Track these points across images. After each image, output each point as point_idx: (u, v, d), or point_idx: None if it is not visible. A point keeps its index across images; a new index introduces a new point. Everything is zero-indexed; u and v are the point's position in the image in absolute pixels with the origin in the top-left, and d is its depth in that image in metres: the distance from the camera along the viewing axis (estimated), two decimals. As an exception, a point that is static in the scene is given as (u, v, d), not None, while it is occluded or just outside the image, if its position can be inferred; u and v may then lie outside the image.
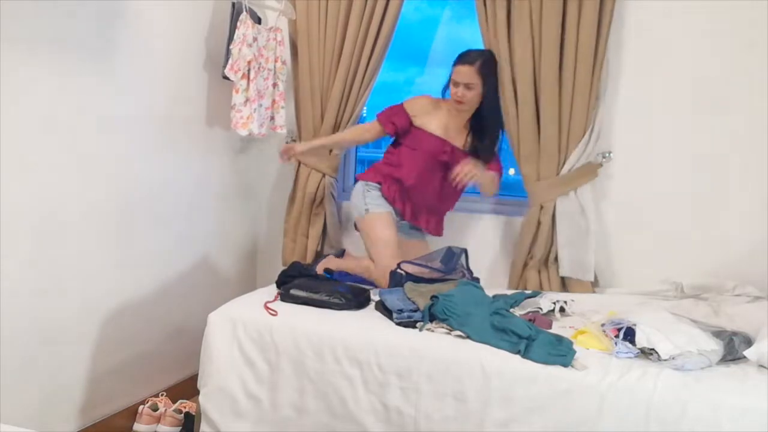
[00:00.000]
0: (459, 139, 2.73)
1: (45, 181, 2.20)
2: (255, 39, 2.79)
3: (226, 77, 2.85)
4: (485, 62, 2.65)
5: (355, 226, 2.85)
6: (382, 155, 2.87)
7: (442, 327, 2.06)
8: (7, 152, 2.04)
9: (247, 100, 2.79)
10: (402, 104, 2.76)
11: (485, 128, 2.72)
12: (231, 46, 2.75)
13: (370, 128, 2.82)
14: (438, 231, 2.87)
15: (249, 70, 2.79)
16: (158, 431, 2.54)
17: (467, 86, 2.61)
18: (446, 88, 2.70)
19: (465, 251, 2.63)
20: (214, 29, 2.96)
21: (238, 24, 2.76)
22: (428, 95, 2.80)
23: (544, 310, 2.26)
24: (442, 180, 2.72)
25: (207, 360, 2.14)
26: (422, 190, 2.74)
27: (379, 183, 2.75)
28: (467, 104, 2.65)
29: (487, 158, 2.72)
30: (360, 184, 2.79)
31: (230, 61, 2.75)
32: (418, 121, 2.73)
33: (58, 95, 2.21)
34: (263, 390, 2.10)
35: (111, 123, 2.45)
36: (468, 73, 2.61)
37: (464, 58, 2.64)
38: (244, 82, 2.79)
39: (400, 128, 2.73)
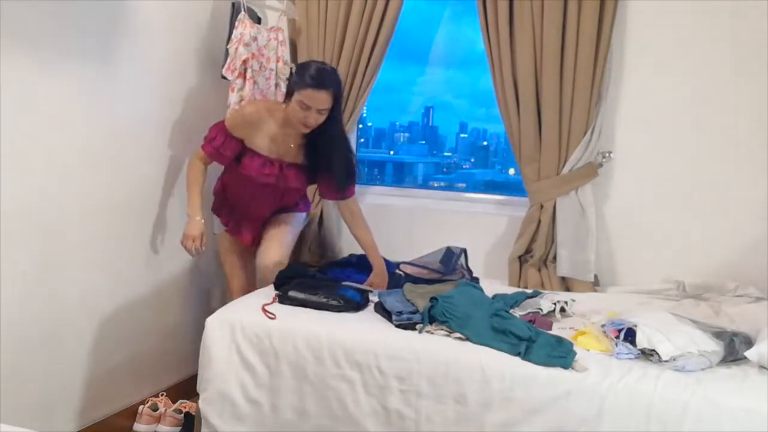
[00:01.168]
0: (290, 152, 2.55)
1: (44, 182, 2.19)
2: (254, 39, 2.78)
3: (224, 77, 2.84)
4: (339, 84, 2.45)
5: None
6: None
7: (442, 329, 2.05)
8: (6, 152, 2.03)
9: (242, 99, 2.78)
10: (225, 125, 2.53)
11: (331, 148, 2.51)
12: (228, 46, 2.75)
13: (203, 168, 2.60)
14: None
15: (246, 70, 2.78)
16: (158, 431, 2.54)
17: (320, 112, 2.37)
18: (287, 98, 2.45)
19: (464, 251, 2.62)
20: (213, 29, 2.95)
21: (236, 23, 2.76)
22: (256, 101, 2.67)
23: (545, 311, 2.25)
24: (273, 194, 2.64)
25: (206, 364, 2.13)
26: (250, 209, 2.69)
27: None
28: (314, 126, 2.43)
29: (344, 188, 2.59)
30: None
31: (227, 61, 2.74)
32: (247, 142, 2.52)
33: (58, 95, 2.21)
34: (263, 394, 2.10)
35: (111, 123, 2.45)
36: (326, 100, 2.36)
37: (322, 82, 2.34)
38: (240, 81, 2.78)
39: (233, 156, 2.55)
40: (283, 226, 2.71)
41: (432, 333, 2.05)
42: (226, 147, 2.52)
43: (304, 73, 2.36)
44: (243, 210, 2.69)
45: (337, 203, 2.69)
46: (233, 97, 2.79)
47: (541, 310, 2.25)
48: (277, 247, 2.63)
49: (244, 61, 2.75)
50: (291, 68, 2.48)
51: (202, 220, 2.56)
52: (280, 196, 2.68)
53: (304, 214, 2.87)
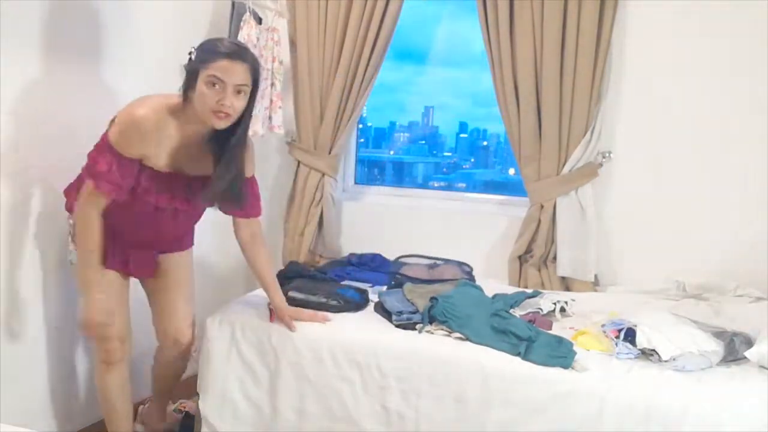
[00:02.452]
0: (197, 161, 1.96)
1: (44, 181, 2.19)
2: (258, 39, 2.78)
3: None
4: (258, 63, 1.91)
5: None
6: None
7: (442, 329, 2.06)
8: (6, 152, 2.03)
9: None
10: (113, 148, 1.83)
11: (240, 148, 1.93)
12: None
13: (97, 212, 1.89)
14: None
15: None
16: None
17: (238, 90, 1.81)
18: (188, 88, 1.85)
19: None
20: (213, 29, 2.95)
21: (242, 24, 2.76)
22: (144, 98, 1.92)
23: (545, 311, 2.26)
24: (177, 219, 2.04)
25: (206, 365, 2.13)
26: (143, 238, 2.07)
27: None
28: (233, 119, 1.84)
29: (245, 202, 2.03)
30: None
31: None
32: (144, 160, 1.89)
33: (58, 95, 2.21)
34: (263, 394, 2.10)
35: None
36: (244, 75, 1.81)
37: (238, 53, 1.81)
38: None
39: (131, 186, 1.89)
40: (183, 271, 2.19)
41: (432, 333, 2.05)
42: (124, 176, 1.84)
43: (214, 46, 1.82)
44: (132, 239, 2.04)
45: (236, 222, 2.12)
46: None
47: (542, 310, 2.25)
48: (184, 305, 2.19)
49: None
50: (190, 51, 1.85)
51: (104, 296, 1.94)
52: (187, 220, 2.12)
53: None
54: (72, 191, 2.03)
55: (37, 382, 2.25)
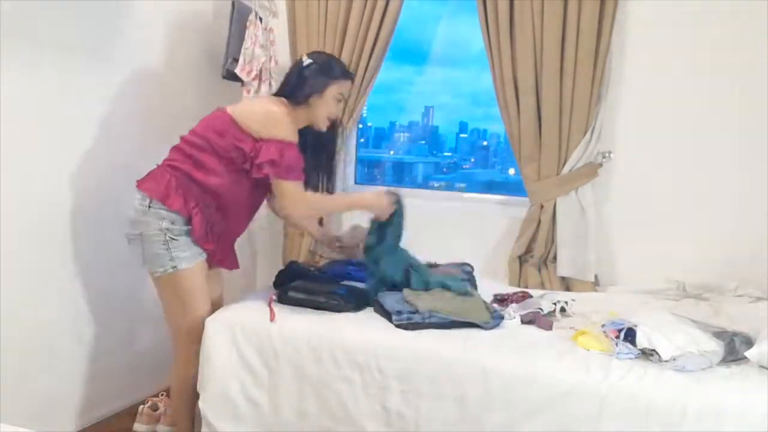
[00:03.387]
0: None
1: (44, 181, 2.19)
2: (258, 38, 2.79)
3: (226, 77, 2.85)
4: None
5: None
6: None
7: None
8: (5, 152, 2.03)
9: None
10: (291, 141, 2.09)
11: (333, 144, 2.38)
12: (243, 47, 2.75)
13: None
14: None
15: (261, 72, 2.81)
16: (158, 431, 2.54)
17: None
18: (313, 94, 2.13)
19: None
20: (214, 29, 2.95)
21: (248, 24, 2.76)
22: (271, 100, 2.18)
23: (545, 311, 2.25)
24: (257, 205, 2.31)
25: (206, 364, 2.13)
26: (233, 227, 2.28)
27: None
28: None
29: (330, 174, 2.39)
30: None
31: (242, 62, 2.75)
32: None
33: (58, 95, 2.21)
34: (263, 394, 2.09)
35: (111, 123, 2.45)
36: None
37: (350, 71, 2.27)
38: (255, 83, 2.81)
39: None
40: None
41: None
42: (300, 159, 2.13)
43: (332, 66, 2.18)
44: (223, 228, 2.21)
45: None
46: (248, 99, 2.81)
47: (542, 310, 2.25)
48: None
49: (261, 64, 2.78)
50: (305, 62, 2.15)
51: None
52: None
53: None
54: (159, 187, 2.08)
55: (37, 382, 2.25)
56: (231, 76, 2.83)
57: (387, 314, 2.16)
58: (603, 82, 2.65)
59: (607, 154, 2.73)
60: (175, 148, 2.16)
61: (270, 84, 2.92)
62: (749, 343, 1.92)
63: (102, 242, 2.46)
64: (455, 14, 3.28)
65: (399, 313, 2.11)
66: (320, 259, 3.10)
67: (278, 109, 2.09)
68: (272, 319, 2.14)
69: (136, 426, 2.55)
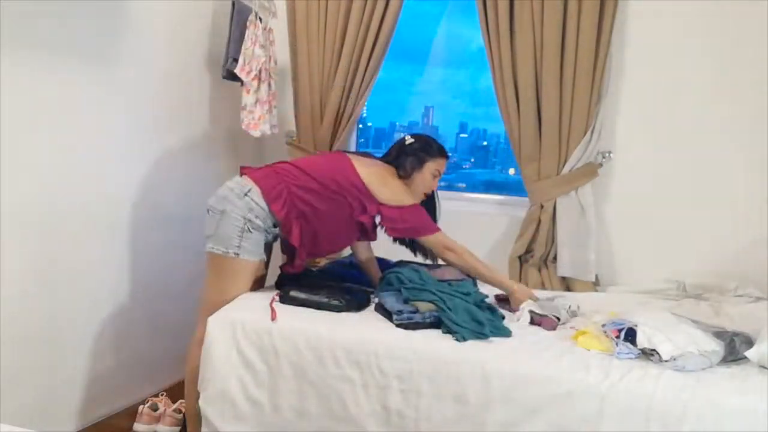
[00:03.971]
0: None
1: (44, 182, 2.20)
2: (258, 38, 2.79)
3: (226, 77, 2.85)
4: None
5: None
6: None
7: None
8: (5, 152, 2.03)
9: (257, 101, 2.81)
10: (415, 204, 2.39)
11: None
12: (243, 47, 2.76)
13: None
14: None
15: (260, 72, 2.81)
16: (158, 431, 2.54)
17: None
18: (415, 168, 2.41)
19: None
20: (214, 29, 2.95)
21: (248, 24, 2.77)
22: (392, 178, 2.41)
23: (562, 320, 2.23)
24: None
25: (206, 363, 2.13)
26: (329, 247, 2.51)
27: None
28: None
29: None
30: None
31: (242, 62, 2.75)
32: None
33: (58, 95, 2.21)
34: (263, 393, 2.09)
35: (111, 123, 2.45)
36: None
37: (444, 150, 2.50)
38: (255, 83, 2.81)
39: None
40: None
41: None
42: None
43: (431, 145, 2.45)
44: (308, 246, 2.38)
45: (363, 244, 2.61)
46: (248, 99, 2.82)
47: (559, 318, 2.22)
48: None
49: (261, 64, 2.78)
50: (411, 141, 2.44)
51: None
52: None
53: None
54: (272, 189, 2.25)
55: (37, 382, 2.25)
56: (231, 76, 2.84)
57: (387, 314, 2.16)
58: (603, 82, 2.66)
59: (607, 154, 2.73)
60: (297, 168, 2.29)
61: (270, 84, 2.93)
62: (749, 343, 1.92)
63: (102, 242, 2.46)
64: (455, 14, 3.28)
65: (399, 312, 2.11)
66: (321, 259, 3.10)
67: (399, 183, 2.39)
68: (274, 319, 2.14)
69: (136, 426, 2.55)
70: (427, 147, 2.44)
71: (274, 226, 2.27)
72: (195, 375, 2.27)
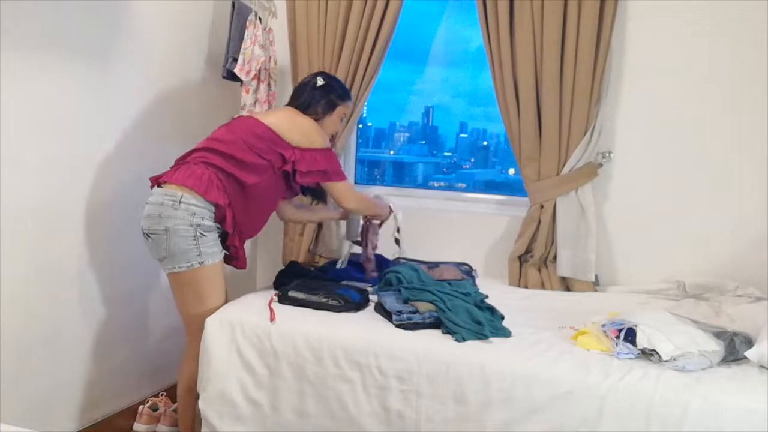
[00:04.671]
0: None
1: (44, 182, 2.19)
2: (258, 39, 2.79)
3: (226, 77, 2.85)
4: None
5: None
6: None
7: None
8: (5, 152, 2.03)
9: (256, 101, 2.82)
10: (326, 145, 2.38)
11: None
12: (243, 47, 2.76)
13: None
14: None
15: (260, 71, 2.81)
16: (158, 431, 2.54)
17: None
18: (326, 112, 2.42)
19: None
20: (214, 29, 2.95)
21: (248, 24, 2.77)
22: (302, 115, 2.39)
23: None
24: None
25: (206, 364, 2.13)
26: (252, 228, 2.43)
27: None
28: None
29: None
30: None
31: (241, 61, 2.75)
32: None
33: (57, 95, 2.21)
34: (263, 394, 2.10)
35: (110, 123, 2.45)
36: None
37: (350, 93, 2.57)
38: (254, 83, 2.81)
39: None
40: None
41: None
42: None
43: (342, 88, 2.50)
44: (244, 228, 2.32)
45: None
46: (248, 98, 2.83)
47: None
48: None
49: (260, 63, 2.78)
50: (318, 82, 2.42)
51: None
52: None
53: None
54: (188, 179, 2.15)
55: (37, 382, 2.25)
56: (231, 75, 2.83)
57: (387, 314, 2.16)
58: (603, 82, 2.65)
59: (607, 154, 2.73)
60: (207, 149, 2.21)
61: (269, 84, 2.92)
62: (749, 343, 1.92)
63: (103, 242, 2.46)
64: (455, 14, 3.28)
65: (399, 313, 2.11)
66: (320, 259, 3.10)
67: (309, 121, 2.35)
68: (272, 320, 2.14)
69: (136, 426, 2.55)
70: (338, 90, 2.47)
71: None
72: (189, 388, 2.28)
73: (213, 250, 2.16)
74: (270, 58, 2.90)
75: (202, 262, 2.13)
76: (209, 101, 2.96)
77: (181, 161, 2.25)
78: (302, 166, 2.28)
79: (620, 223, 2.78)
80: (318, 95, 2.41)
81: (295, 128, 2.30)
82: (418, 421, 1.94)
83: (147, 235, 2.14)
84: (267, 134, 2.24)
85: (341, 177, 2.41)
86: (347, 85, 2.97)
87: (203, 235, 2.12)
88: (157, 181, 2.22)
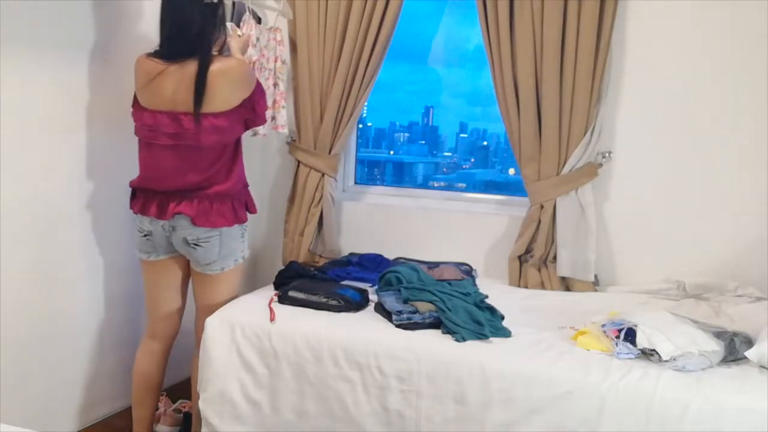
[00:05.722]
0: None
1: (44, 182, 2.19)
2: (258, 39, 2.79)
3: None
4: None
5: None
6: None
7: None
8: (5, 152, 2.03)
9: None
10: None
11: None
12: None
13: None
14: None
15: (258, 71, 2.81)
16: (158, 431, 2.54)
17: None
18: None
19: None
20: (213, 29, 2.95)
21: (241, 24, 2.76)
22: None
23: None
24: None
25: (206, 364, 2.13)
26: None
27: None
28: None
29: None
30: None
31: None
32: None
33: (57, 95, 2.21)
34: (263, 394, 2.10)
35: (110, 122, 2.45)
36: None
37: None
38: None
39: None
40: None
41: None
42: None
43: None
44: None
45: None
46: None
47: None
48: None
49: (253, 63, 2.76)
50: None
51: None
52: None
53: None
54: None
55: (37, 382, 2.25)
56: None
57: (387, 314, 2.16)
58: (603, 81, 2.65)
59: (607, 154, 2.73)
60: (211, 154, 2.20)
61: (277, 84, 2.92)
62: (749, 343, 1.92)
63: (103, 242, 2.46)
64: (455, 14, 3.28)
65: (399, 313, 2.12)
66: (320, 259, 3.11)
67: (242, 60, 2.29)
68: (272, 320, 2.14)
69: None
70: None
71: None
72: None
73: (247, 243, 2.31)
74: (277, 58, 2.90)
75: (244, 257, 2.30)
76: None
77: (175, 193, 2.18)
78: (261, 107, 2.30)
79: (620, 223, 2.78)
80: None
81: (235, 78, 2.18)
82: (418, 421, 1.94)
83: (195, 245, 2.16)
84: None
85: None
86: (347, 85, 2.98)
87: (246, 230, 2.29)
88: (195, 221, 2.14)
